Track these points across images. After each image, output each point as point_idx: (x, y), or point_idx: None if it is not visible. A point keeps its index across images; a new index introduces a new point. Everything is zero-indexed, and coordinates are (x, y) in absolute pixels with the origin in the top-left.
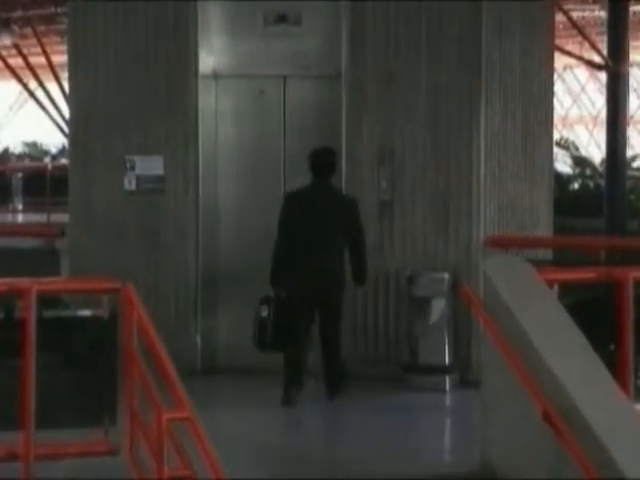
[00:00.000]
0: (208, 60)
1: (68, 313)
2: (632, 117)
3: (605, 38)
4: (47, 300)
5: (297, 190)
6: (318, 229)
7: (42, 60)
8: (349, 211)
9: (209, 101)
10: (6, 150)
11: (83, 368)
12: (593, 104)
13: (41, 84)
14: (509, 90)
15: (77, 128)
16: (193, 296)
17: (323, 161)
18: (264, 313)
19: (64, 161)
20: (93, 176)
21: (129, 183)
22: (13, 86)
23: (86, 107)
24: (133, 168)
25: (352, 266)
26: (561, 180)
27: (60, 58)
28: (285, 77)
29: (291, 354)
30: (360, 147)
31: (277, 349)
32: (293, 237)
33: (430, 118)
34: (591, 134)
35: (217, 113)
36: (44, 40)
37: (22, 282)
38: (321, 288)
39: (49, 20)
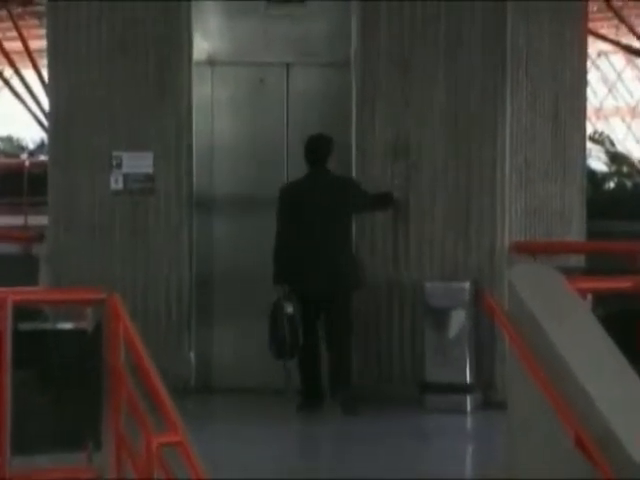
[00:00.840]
0: (203, 45)
1: (47, 326)
2: None
3: None
4: (24, 312)
5: (291, 183)
6: (317, 222)
7: (18, 45)
8: (347, 194)
9: (204, 91)
10: None
11: (64, 387)
12: (631, 94)
13: (17, 72)
14: (537, 79)
15: (58, 121)
16: (186, 307)
17: (313, 149)
18: (289, 309)
19: (43, 158)
20: (75, 174)
21: (115, 182)
22: None
23: (68, 98)
24: (120, 166)
25: None
26: (595, 179)
27: (38, 43)
28: (288, 64)
29: (304, 358)
30: (372, 142)
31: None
32: (292, 233)
33: (449, 110)
34: (629, 127)
35: (213, 104)
36: (20, 23)
37: None
38: (325, 286)
39: (26, 1)
